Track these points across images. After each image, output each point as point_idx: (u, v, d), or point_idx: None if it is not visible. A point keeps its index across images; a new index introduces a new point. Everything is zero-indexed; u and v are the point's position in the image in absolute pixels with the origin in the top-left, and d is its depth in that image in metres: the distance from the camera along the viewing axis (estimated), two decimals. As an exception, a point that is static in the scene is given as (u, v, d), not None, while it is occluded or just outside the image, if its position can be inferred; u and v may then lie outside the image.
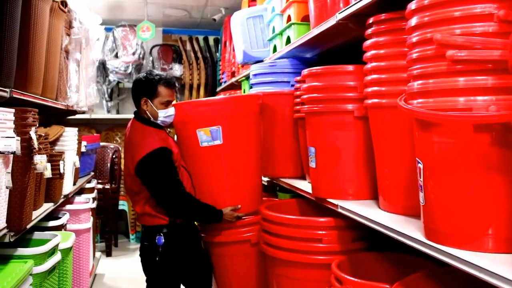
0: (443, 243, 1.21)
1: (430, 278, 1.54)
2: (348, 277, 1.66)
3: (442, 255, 1.19)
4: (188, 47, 6.36)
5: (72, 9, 3.21)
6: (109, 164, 5.40)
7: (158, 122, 2.61)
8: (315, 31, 2.20)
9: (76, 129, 3.32)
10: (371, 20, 1.68)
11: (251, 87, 3.00)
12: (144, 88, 2.60)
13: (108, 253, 5.25)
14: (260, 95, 2.75)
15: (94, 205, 4.05)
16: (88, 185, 4.17)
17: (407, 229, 1.40)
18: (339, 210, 1.88)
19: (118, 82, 6.05)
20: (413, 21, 1.29)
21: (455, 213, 1.19)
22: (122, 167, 5.79)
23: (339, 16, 1.90)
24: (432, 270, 1.57)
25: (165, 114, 2.59)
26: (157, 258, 2.56)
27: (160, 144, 2.50)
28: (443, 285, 1.52)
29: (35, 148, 2.07)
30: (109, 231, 5.26)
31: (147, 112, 2.59)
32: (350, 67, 1.94)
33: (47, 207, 2.64)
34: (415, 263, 1.78)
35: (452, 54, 1.13)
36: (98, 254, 4.81)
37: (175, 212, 2.56)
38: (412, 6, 1.30)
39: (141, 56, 5.92)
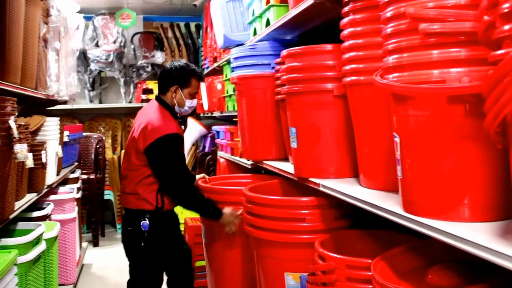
0: (420, 215, 1.23)
1: (410, 252, 1.57)
2: (331, 253, 1.67)
3: (419, 226, 1.21)
4: (170, 34, 6.31)
5: (49, -4, 3.17)
6: (93, 154, 5.38)
7: (182, 110, 2.75)
8: (294, 12, 2.19)
9: (58, 118, 3.30)
10: (347, -2, 1.69)
11: (232, 71, 2.99)
12: (179, 76, 2.71)
13: (95, 243, 5.24)
14: None
15: (79, 195, 4.04)
16: (72, 175, 4.16)
17: (387, 203, 1.41)
18: (321, 188, 1.89)
19: (100, 71, 5.99)
20: (387, -4, 1.30)
21: (432, 184, 1.21)
22: (107, 156, 5.78)
23: (316, -5, 1.90)
24: (412, 244, 1.60)
25: (190, 104, 2.76)
26: (142, 244, 2.57)
27: (178, 130, 2.64)
28: (423, 257, 1.54)
29: (15, 137, 2.06)
30: (95, 221, 5.25)
31: (174, 99, 2.71)
32: (329, 46, 1.94)
33: (30, 197, 2.63)
34: (397, 239, 1.80)
35: (425, 27, 1.14)
36: (84, 244, 4.80)
37: (178, 196, 2.63)
38: (385, -20, 1.30)
39: (122, 44, 5.87)
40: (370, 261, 1.56)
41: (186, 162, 5.43)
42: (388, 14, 1.29)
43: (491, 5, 0.93)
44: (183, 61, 2.82)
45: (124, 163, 2.74)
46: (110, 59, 5.69)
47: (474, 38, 1.13)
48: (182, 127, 3.08)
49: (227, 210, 2.65)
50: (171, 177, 2.58)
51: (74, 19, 3.98)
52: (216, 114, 4.63)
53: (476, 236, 1.05)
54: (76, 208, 3.74)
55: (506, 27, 0.91)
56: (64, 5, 3.54)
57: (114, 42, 5.80)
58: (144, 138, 2.56)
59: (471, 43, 1.14)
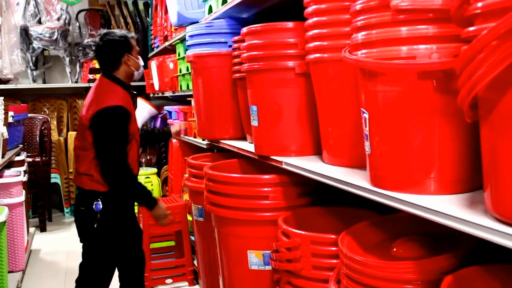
0: (390, 189, 1.26)
1: (374, 226, 1.61)
2: (295, 230, 1.69)
3: (389, 200, 1.23)
4: (117, 12, 6.12)
5: (-10, -32, 2.98)
6: (38, 137, 5.18)
7: (140, 71, 2.70)
8: (253, -11, 2.17)
9: (2, 98, 3.15)
10: (311, -25, 1.68)
11: (187, 49, 2.94)
12: (123, 45, 2.62)
13: (43, 228, 5.08)
14: None
15: (25, 178, 3.88)
16: (17, 158, 3.99)
17: (354, 178, 1.44)
18: (284, 166, 1.90)
19: (43, 50, 5.73)
20: (356, -28, 1.30)
21: (401, 159, 1.23)
22: (53, 139, 5.58)
23: (277, -29, 1.88)
24: (376, 218, 1.64)
25: (142, 63, 2.72)
26: (95, 225, 2.51)
27: (122, 103, 2.51)
28: (386, 231, 1.59)
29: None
30: (42, 205, 5.08)
31: (130, 67, 2.63)
32: (290, 24, 1.93)
33: (-25, 180, 2.50)
34: (359, 214, 1.84)
35: (397, 3, 1.15)
36: (32, 229, 4.64)
37: (109, 174, 2.50)
38: (354, -43, 1.30)
39: (66, 21, 5.64)
40: (334, 236, 1.59)
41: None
42: (358, -9, 1.30)
43: (466, -18, 0.95)
44: (105, 31, 2.71)
45: (76, 142, 2.64)
46: (54, 37, 5.45)
47: (442, 16, 1.15)
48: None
49: (162, 204, 2.65)
50: (107, 152, 2.48)
51: (16, -7, 3.77)
52: (168, 94, 4.54)
53: (448, 207, 1.08)
54: (24, 192, 3.60)
55: (479, 4, 0.93)
56: (6, -22, 3.35)
57: (58, 19, 5.56)
58: (88, 112, 2.50)
59: (439, 20, 1.16)
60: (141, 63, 2.71)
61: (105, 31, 2.73)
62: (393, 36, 1.20)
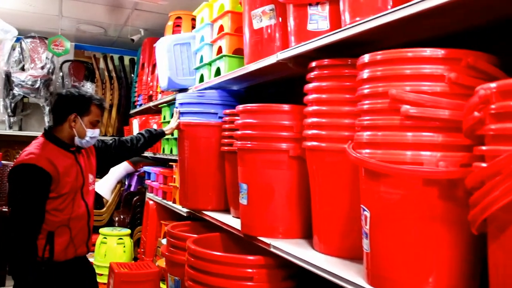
0: (387, 291, 1.24)
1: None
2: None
3: (388, 304, 1.21)
4: (102, 65, 6.14)
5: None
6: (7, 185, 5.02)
7: (83, 142, 2.43)
8: (252, 67, 2.20)
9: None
10: (313, 64, 1.71)
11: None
12: (77, 103, 2.42)
13: (1, 283, 4.82)
14: None
15: (-9, 230, 3.72)
16: (-15, 209, 3.84)
17: (349, 274, 1.41)
18: (272, 249, 1.87)
19: (24, 97, 5.66)
20: (365, 74, 1.33)
21: (400, 261, 1.23)
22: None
23: (280, 56, 1.92)
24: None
25: (91, 134, 2.44)
26: None
27: (33, 160, 2.25)
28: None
29: None
30: (3, 258, 4.84)
31: (73, 129, 2.40)
32: (286, 107, 1.96)
33: None
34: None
35: (406, 110, 1.18)
36: (-10, 283, 4.41)
37: (7, 240, 2.25)
38: (365, 59, 1.34)
39: (50, 71, 5.61)
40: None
41: (110, 200, 5.23)
42: (365, 92, 1.33)
43: (482, 102, 0.98)
44: (79, 88, 2.53)
45: None
46: (37, 85, 5.40)
47: (449, 125, 1.18)
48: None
49: None
50: (12, 216, 2.25)
51: (7, 43, 3.75)
52: (148, 154, 4.50)
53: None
54: (-11, 246, 3.43)
55: (493, 126, 0.96)
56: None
57: (42, 68, 5.53)
58: None
59: (445, 129, 1.19)
60: (90, 134, 2.43)
61: (84, 89, 2.53)
62: (400, 140, 1.22)
